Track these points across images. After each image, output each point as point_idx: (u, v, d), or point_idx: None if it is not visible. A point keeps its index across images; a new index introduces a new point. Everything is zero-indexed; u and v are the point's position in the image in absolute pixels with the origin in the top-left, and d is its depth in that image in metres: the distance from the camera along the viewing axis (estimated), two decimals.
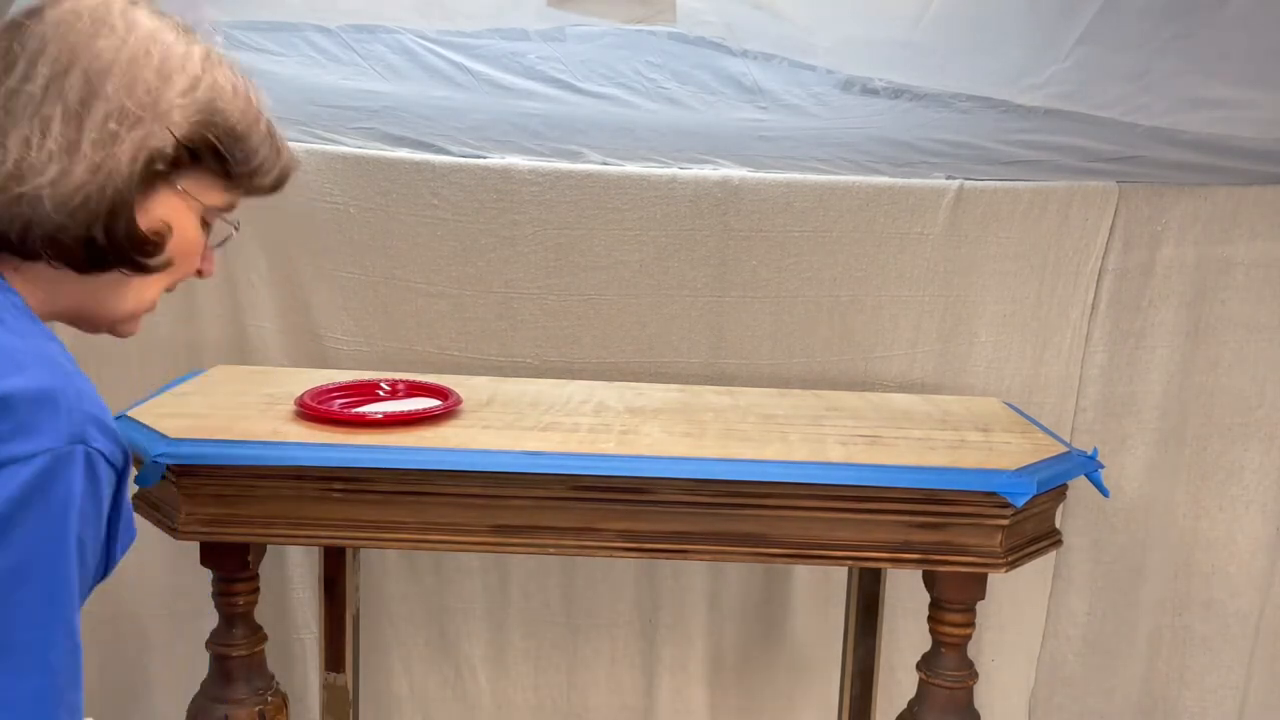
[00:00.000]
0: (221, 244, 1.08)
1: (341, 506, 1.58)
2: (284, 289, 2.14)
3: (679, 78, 2.05)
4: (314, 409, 1.68)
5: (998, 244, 2.14)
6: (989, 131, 2.08)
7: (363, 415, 1.68)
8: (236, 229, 1.08)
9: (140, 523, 1.68)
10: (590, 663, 2.33)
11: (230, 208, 1.06)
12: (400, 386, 1.85)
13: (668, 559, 2.06)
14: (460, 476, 1.55)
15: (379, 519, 1.58)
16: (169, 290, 1.07)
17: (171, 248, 1.00)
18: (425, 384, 1.85)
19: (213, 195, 1.02)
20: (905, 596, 2.20)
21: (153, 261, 0.99)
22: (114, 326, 1.04)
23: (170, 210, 0.99)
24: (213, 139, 0.99)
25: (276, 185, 1.08)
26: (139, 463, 1.59)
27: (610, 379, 2.09)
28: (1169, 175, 2.13)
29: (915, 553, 1.59)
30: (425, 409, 1.71)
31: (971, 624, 1.69)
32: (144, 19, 0.99)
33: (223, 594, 1.70)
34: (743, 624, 2.32)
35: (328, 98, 2.08)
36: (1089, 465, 1.67)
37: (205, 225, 1.04)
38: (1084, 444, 2.13)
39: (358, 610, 2.07)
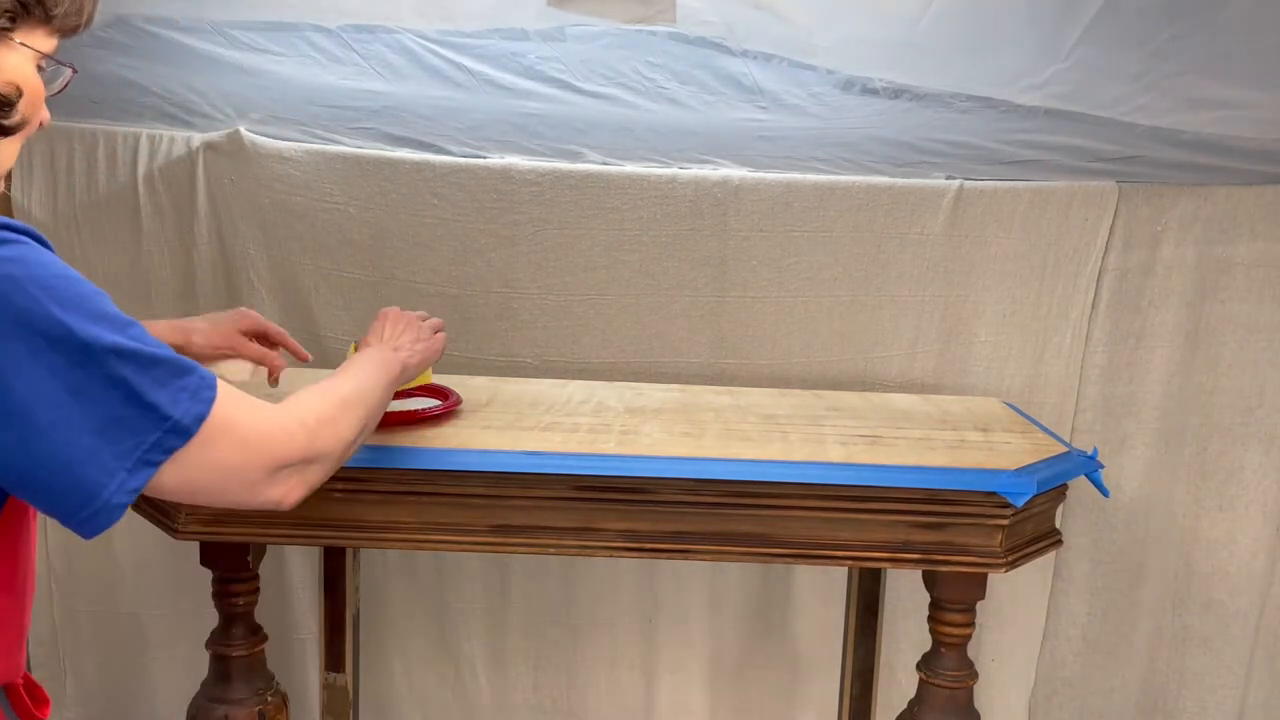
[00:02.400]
0: (61, 90, 1.11)
1: (342, 506, 1.58)
2: (284, 289, 2.14)
3: (679, 78, 2.05)
4: None
5: (998, 244, 2.14)
6: (989, 131, 2.08)
7: None
8: (74, 70, 1.11)
9: (140, 523, 1.69)
10: (590, 663, 2.33)
11: (55, 51, 1.08)
12: None
13: (668, 559, 2.06)
14: (460, 476, 1.55)
15: (379, 519, 1.58)
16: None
17: (23, 105, 1.05)
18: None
19: (43, 42, 1.06)
20: (905, 596, 2.20)
21: (9, 122, 1.04)
22: None
23: (12, 67, 1.04)
24: None
25: (90, 19, 1.12)
26: None
27: (610, 379, 2.10)
28: (1169, 175, 2.13)
29: (915, 553, 1.59)
30: (425, 409, 1.71)
31: (971, 624, 1.69)
32: None
33: (222, 594, 1.70)
34: (743, 624, 2.32)
35: (328, 98, 2.08)
36: (1089, 465, 1.67)
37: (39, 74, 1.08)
38: (1084, 444, 2.14)
39: (358, 610, 2.07)
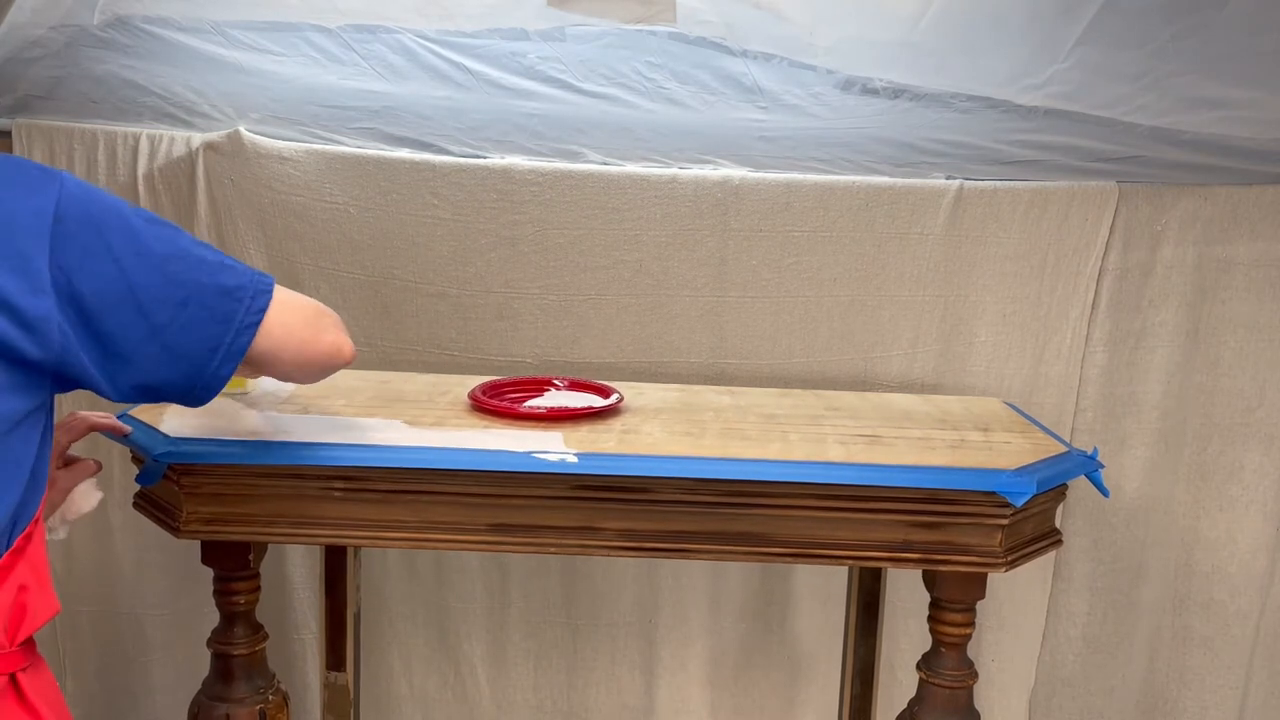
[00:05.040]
0: None
1: (342, 505, 1.58)
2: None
3: (679, 78, 2.05)
4: (485, 403, 1.74)
5: (998, 244, 2.14)
6: (989, 131, 2.08)
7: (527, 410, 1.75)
8: None
9: (141, 522, 1.69)
10: (590, 663, 2.33)
11: None
12: (563, 383, 1.92)
13: (668, 559, 2.06)
14: (460, 475, 1.55)
15: (379, 518, 1.58)
16: None
17: None
18: (584, 382, 1.92)
19: None
20: (905, 596, 2.20)
21: None
22: None
23: None
24: None
25: None
26: (140, 462, 1.59)
27: (610, 379, 2.09)
28: (1169, 175, 2.13)
29: (915, 552, 1.59)
30: (587, 406, 1.76)
31: (971, 624, 1.69)
32: None
33: (223, 593, 1.70)
34: (743, 624, 2.32)
35: (328, 98, 2.08)
36: (1089, 465, 1.67)
37: None
38: (1084, 444, 2.14)
39: (358, 609, 2.07)
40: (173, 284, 1.20)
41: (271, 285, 1.29)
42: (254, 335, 1.26)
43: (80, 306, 1.14)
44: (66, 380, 1.18)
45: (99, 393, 1.21)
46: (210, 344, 1.23)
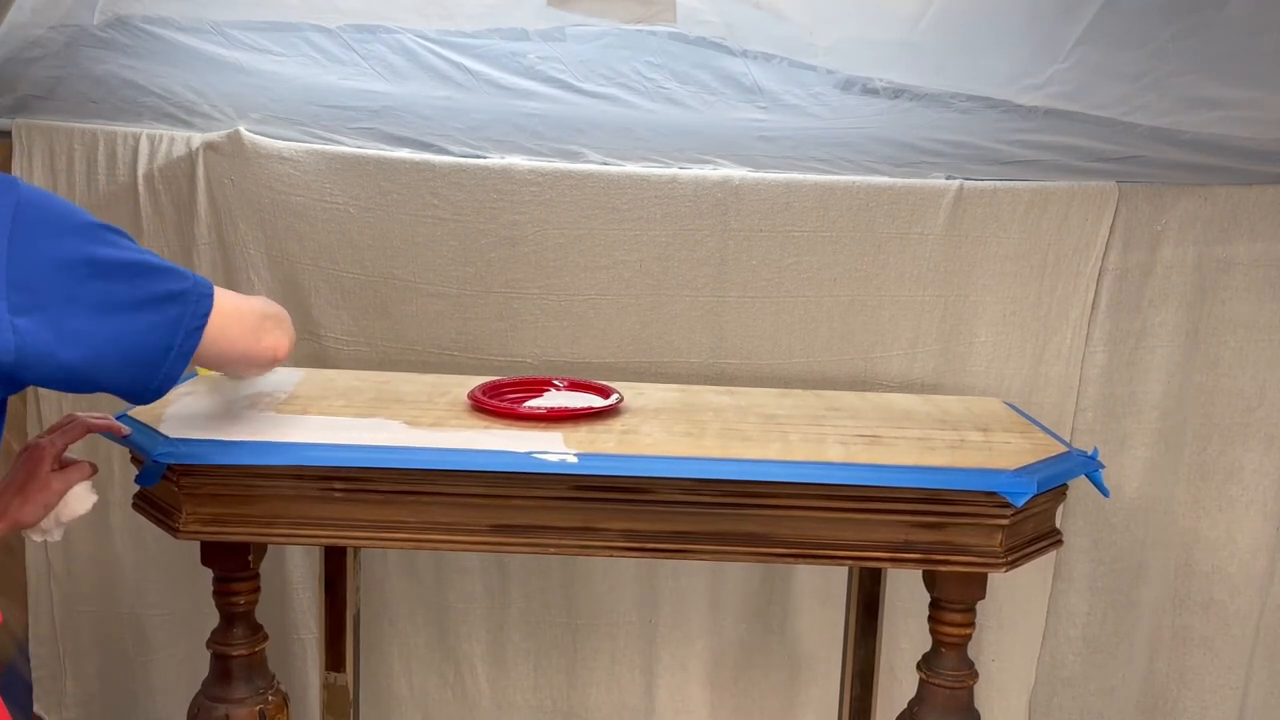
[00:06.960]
0: None
1: (342, 506, 1.58)
2: (284, 289, 2.14)
3: (679, 78, 2.05)
4: (485, 403, 1.74)
5: (998, 244, 2.14)
6: (989, 131, 2.08)
7: (527, 410, 1.74)
8: None
9: (141, 522, 1.69)
10: (590, 663, 2.33)
11: None
12: (563, 383, 1.91)
13: (668, 559, 2.06)
14: (460, 476, 1.55)
15: (379, 519, 1.58)
16: None
17: None
18: (584, 382, 1.91)
19: None
20: (905, 596, 2.20)
21: None
22: None
23: None
24: None
25: None
26: (139, 462, 1.59)
27: (610, 379, 2.09)
28: (1169, 175, 2.13)
29: (915, 553, 1.59)
30: (587, 406, 1.75)
31: (972, 624, 1.69)
32: None
33: (223, 593, 1.70)
34: (743, 624, 2.32)
35: (328, 98, 2.08)
36: (1089, 465, 1.67)
37: None
38: (1084, 444, 2.14)
39: (358, 610, 2.07)
40: (126, 288, 1.23)
41: (212, 290, 1.33)
42: (200, 338, 1.30)
43: (36, 308, 1.16)
44: (18, 383, 1.20)
45: (54, 388, 1.25)
46: (162, 345, 1.27)
